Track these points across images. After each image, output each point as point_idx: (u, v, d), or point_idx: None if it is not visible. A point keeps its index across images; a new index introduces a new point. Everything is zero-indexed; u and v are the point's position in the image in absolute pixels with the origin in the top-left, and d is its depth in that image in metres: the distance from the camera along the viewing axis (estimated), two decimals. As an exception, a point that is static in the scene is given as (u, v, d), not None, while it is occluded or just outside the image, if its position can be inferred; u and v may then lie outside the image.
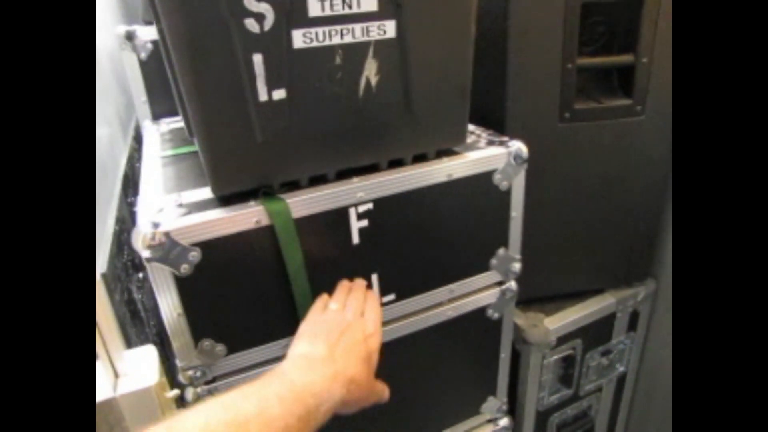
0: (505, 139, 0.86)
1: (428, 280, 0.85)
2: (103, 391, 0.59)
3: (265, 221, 0.68)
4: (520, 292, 1.00)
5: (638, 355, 1.37)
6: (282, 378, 0.56)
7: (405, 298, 0.83)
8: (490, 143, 0.85)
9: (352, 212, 0.73)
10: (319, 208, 0.70)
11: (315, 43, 0.63)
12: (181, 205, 0.69)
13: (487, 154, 0.81)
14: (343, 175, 0.74)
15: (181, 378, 0.73)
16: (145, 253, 0.63)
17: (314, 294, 0.74)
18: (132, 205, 1.11)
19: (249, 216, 0.67)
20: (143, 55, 1.15)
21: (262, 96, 0.64)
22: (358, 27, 0.64)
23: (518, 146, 0.83)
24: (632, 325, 1.29)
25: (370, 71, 0.67)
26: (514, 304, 0.97)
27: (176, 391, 0.69)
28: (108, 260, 0.76)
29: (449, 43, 0.72)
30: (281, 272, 0.71)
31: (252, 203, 0.68)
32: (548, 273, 1.15)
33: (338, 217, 0.72)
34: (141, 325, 0.91)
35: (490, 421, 1.11)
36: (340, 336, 0.63)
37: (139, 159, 1.37)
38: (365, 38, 0.65)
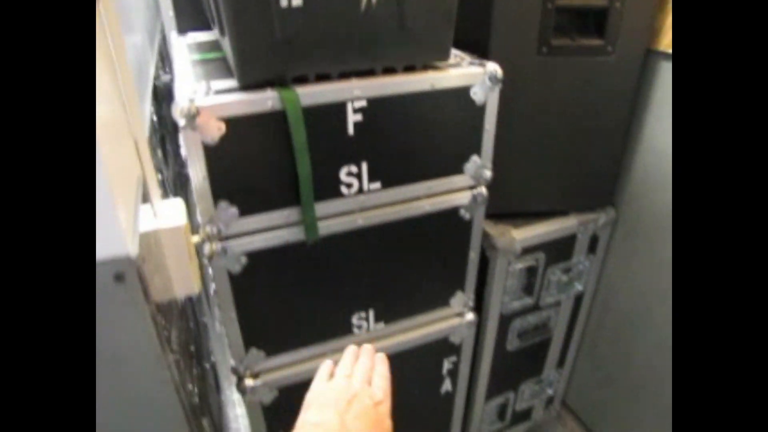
0: (484, 61, 1.01)
1: (410, 175, 1.01)
2: (148, 225, 0.76)
3: (278, 106, 0.84)
4: (494, 207, 1.17)
5: (596, 276, 1.55)
6: None
7: (389, 187, 1.00)
8: (471, 64, 1.00)
9: (349, 106, 0.89)
10: (322, 100, 0.87)
11: (329, -38, 0.78)
12: (210, 89, 0.85)
13: (466, 72, 0.97)
14: (344, 75, 0.89)
15: (201, 233, 0.90)
16: (182, 122, 0.80)
17: (314, 173, 0.90)
18: (152, 113, 1.26)
19: (265, 99, 0.83)
20: (172, -29, 1.28)
21: (283, 2, 0.79)
22: (364, -50, 0.79)
23: (494, 68, 0.98)
24: (592, 247, 1.46)
25: (371, -11, 0.82)
26: (484, 208, 1.13)
27: (198, 236, 0.86)
28: (148, 134, 0.92)
29: (439, -29, 0.86)
30: (288, 150, 0.87)
31: (268, 91, 0.84)
32: (518, 191, 1.31)
33: (337, 109, 0.88)
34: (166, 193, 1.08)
35: (458, 314, 1.30)
36: (349, 404, 0.60)
37: (163, 68, 1.53)
38: (369, -40, 0.80)
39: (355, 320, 1.14)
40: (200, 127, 0.81)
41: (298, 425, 0.60)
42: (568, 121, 1.23)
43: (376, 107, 0.91)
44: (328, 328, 1.13)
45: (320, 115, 0.87)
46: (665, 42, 1.20)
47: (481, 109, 1.01)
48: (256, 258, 0.96)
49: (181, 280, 0.83)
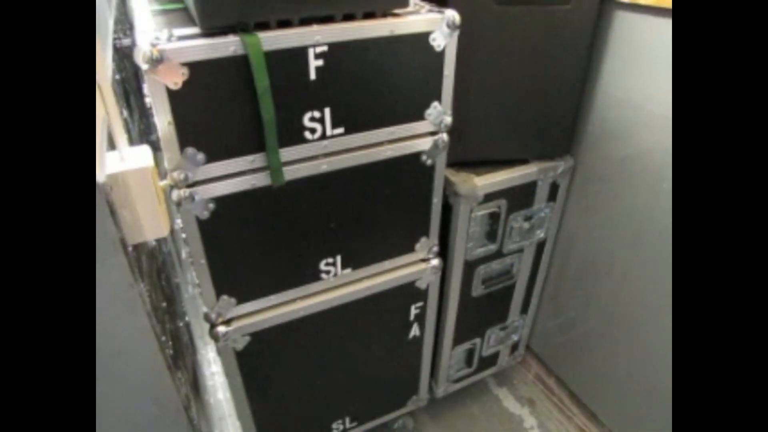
0: (443, 9, 1.03)
1: (372, 120, 1.04)
2: (114, 167, 0.78)
3: (240, 51, 0.86)
4: (456, 155, 1.20)
5: (556, 224, 1.61)
6: None
7: (352, 133, 1.03)
8: (430, 11, 1.03)
9: (311, 52, 0.91)
10: (284, 45, 0.88)
11: None
12: (173, 36, 0.86)
13: (425, 18, 0.99)
14: (306, 21, 0.91)
15: (168, 179, 0.93)
16: (145, 67, 0.81)
17: (278, 118, 0.92)
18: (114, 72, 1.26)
19: (228, 44, 0.85)
20: None
21: (242, -54, 0.80)
22: None
23: (452, 14, 1.01)
24: (552, 195, 1.51)
25: (329, -68, 0.84)
26: (445, 154, 1.17)
27: (166, 181, 0.89)
28: (111, 82, 0.93)
29: None
30: (252, 95, 0.89)
31: (231, 36, 0.85)
32: (479, 140, 1.35)
33: (299, 54, 0.90)
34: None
35: (423, 260, 1.34)
36: None
37: (122, 31, 1.51)
38: None
39: (323, 266, 1.18)
40: (163, 71, 0.82)
41: None
42: (526, 70, 1.27)
43: (337, 52, 0.93)
44: (297, 274, 1.17)
45: (282, 60, 0.89)
46: (619, -9, 1.24)
47: (440, 55, 1.03)
48: (223, 203, 0.99)
49: (151, 223, 0.85)
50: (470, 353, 1.77)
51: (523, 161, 1.43)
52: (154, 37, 0.84)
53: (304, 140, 0.99)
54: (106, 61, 0.93)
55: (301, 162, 1.01)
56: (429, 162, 1.15)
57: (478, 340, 1.74)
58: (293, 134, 0.97)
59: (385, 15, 0.97)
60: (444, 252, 1.43)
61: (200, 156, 0.92)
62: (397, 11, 0.99)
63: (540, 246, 1.62)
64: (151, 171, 0.81)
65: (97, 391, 0.73)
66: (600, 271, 1.55)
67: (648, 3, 1.17)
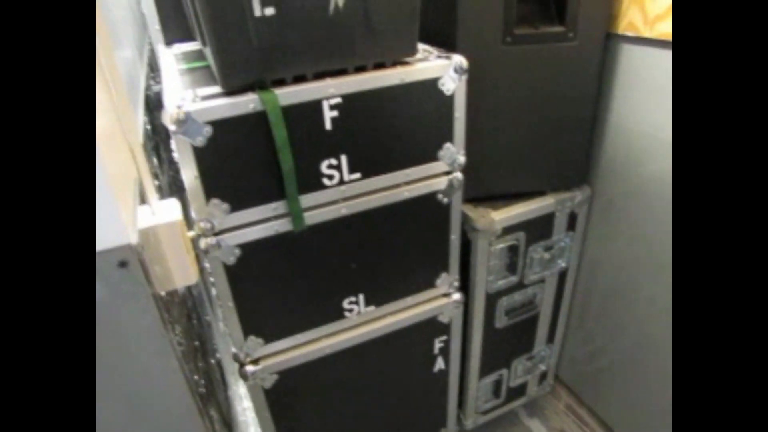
0: (451, 54, 1.08)
1: (387, 164, 1.09)
2: (146, 221, 0.83)
3: (259, 107, 0.92)
4: (473, 190, 1.24)
5: (578, 253, 1.62)
6: None
7: (369, 177, 1.07)
8: (438, 57, 1.07)
9: (325, 104, 0.96)
10: (300, 99, 0.94)
11: (296, -29, 0.85)
12: (197, 96, 0.92)
13: (433, 65, 1.04)
14: (319, 76, 0.97)
15: (195, 229, 0.98)
16: (172, 127, 0.87)
17: (296, 168, 0.97)
18: (146, 123, 1.33)
19: (247, 103, 0.91)
20: (156, -13, 1.35)
21: (257, 12, 0.86)
22: (327, -41, 0.86)
23: (459, 59, 1.05)
24: (571, 225, 1.53)
25: (338, -6, 0.90)
26: (461, 192, 1.21)
27: (193, 232, 0.94)
28: (143, 140, 1.00)
29: (401, -27, 0.93)
30: (271, 147, 0.95)
31: (250, 94, 0.91)
32: (496, 174, 1.38)
33: (314, 107, 0.96)
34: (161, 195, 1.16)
35: (445, 295, 1.37)
36: None
37: (153, 78, 1.60)
38: (333, -32, 0.87)
39: (346, 304, 1.22)
40: (189, 130, 0.88)
41: None
42: (537, 105, 1.31)
43: (350, 103, 0.98)
44: (322, 313, 1.21)
45: (299, 113, 0.95)
46: (623, 25, 1.27)
47: (450, 99, 1.08)
48: (248, 249, 1.04)
49: (180, 271, 0.90)
50: (497, 384, 1.77)
51: (540, 193, 1.46)
52: (180, 99, 0.90)
53: (323, 186, 1.04)
54: (137, 124, 0.99)
55: (321, 207, 1.06)
56: (445, 201, 1.19)
57: (504, 371, 1.75)
58: (312, 181, 1.02)
59: (395, 64, 1.03)
60: (465, 285, 1.45)
61: (225, 206, 0.97)
62: (406, 59, 1.05)
63: (562, 275, 1.64)
64: (180, 224, 0.86)
65: (132, 434, 0.78)
66: (626, 297, 1.55)
67: (651, 36, 1.20)
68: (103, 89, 0.68)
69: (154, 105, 1.57)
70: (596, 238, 1.59)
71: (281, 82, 0.95)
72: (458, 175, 1.17)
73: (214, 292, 1.08)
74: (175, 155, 0.92)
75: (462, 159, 1.15)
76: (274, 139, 0.93)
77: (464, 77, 1.07)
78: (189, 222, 1.03)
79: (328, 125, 0.98)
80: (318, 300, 1.18)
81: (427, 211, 1.19)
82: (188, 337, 1.14)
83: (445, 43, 1.18)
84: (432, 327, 1.39)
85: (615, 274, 1.57)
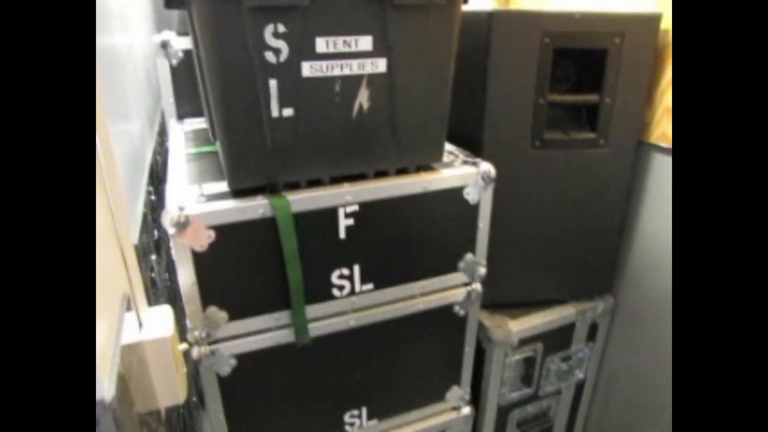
0: (478, 160, 1.01)
1: (403, 275, 1.00)
2: (131, 336, 0.74)
3: (268, 213, 0.84)
4: (490, 297, 1.15)
5: (596, 364, 1.51)
6: None
7: (382, 288, 0.98)
8: (465, 163, 1.00)
9: (341, 212, 0.88)
10: (314, 206, 0.86)
11: (319, 74, 0.79)
12: (201, 195, 0.84)
13: (459, 173, 0.97)
14: (336, 180, 0.89)
15: (189, 338, 0.88)
16: (171, 231, 0.79)
17: (305, 278, 0.89)
18: (151, 193, 1.26)
19: (256, 208, 0.83)
20: (174, 62, 1.31)
21: (275, 112, 0.80)
22: (355, 62, 0.80)
23: (487, 167, 0.98)
24: (591, 335, 1.43)
25: (363, 98, 0.83)
26: (479, 304, 1.11)
27: (186, 345, 0.84)
28: (138, 235, 0.92)
29: (431, 79, 0.87)
30: (278, 257, 0.86)
31: (259, 197, 0.84)
32: (516, 282, 1.29)
33: (329, 214, 0.88)
34: (157, 292, 1.07)
35: (454, 408, 1.26)
36: None
37: (162, 152, 1.54)
38: (360, 71, 0.81)
39: (347, 419, 1.11)
40: (190, 235, 0.80)
41: None
42: (563, 212, 1.23)
43: (368, 211, 0.90)
44: (320, 428, 1.09)
45: (312, 220, 0.87)
46: (655, 134, 1.21)
47: (474, 208, 1.00)
48: (245, 360, 0.94)
49: (166, 391, 0.80)
50: (504, 500, 1.63)
51: (560, 301, 1.37)
52: (182, 198, 0.83)
53: (332, 297, 0.95)
54: (135, 217, 0.91)
55: (329, 318, 0.97)
56: (462, 313, 1.10)
57: (513, 486, 1.61)
58: (321, 292, 0.93)
59: (418, 170, 0.95)
60: (476, 395, 1.34)
61: (223, 314, 0.88)
62: (431, 165, 0.98)
63: (579, 387, 1.52)
64: (169, 340, 0.77)
65: None
66: (647, 414, 1.43)
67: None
68: (99, 190, 0.61)
69: (161, 177, 1.51)
70: (616, 348, 1.49)
71: (295, 186, 0.87)
72: (477, 286, 1.09)
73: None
74: (173, 256, 0.83)
75: (483, 270, 1.07)
76: (282, 249, 0.85)
77: (491, 187, 1.00)
78: (182, 327, 0.93)
79: (342, 234, 0.90)
80: (317, 413, 1.07)
81: (442, 323, 1.10)
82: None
83: (471, 144, 1.12)
84: (438, 443, 1.27)
85: (636, 387, 1.45)
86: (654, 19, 1.12)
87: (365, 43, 0.80)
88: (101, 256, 0.58)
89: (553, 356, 1.39)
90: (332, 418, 1.10)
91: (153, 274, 1.14)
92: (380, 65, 0.82)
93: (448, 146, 1.10)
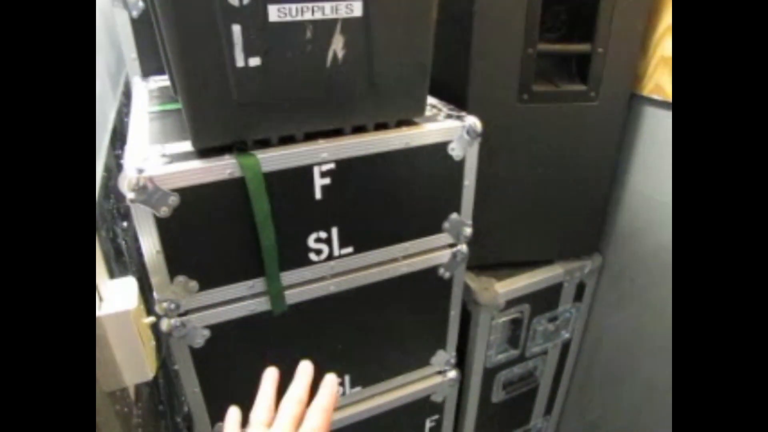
0: (462, 114, 0.95)
1: (384, 237, 0.94)
2: (87, 310, 0.68)
3: (237, 173, 0.77)
4: (476, 258, 1.10)
5: (583, 323, 1.49)
6: None
7: (362, 252, 0.93)
8: (449, 117, 0.94)
9: (316, 170, 0.82)
10: (287, 165, 0.79)
11: (288, 18, 0.71)
12: (164, 155, 0.77)
13: (443, 127, 0.90)
14: (311, 136, 0.82)
15: (157, 309, 0.82)
16: (130, 195, 0.72)
17: (279, 242, 0.83)
18: (119, 157, 1.18)
19: (223, 168, 0.76)
20: (134, 13, 1.21)
21: (240, 62, 0.72)
22: (327, 5, 0.72)
23: (473, 121, 0.92)
24: (578, 295, 1.40)
25: (337, 45, 0.75)
26: (464, 266, 1.07)
27: (152, 318, 0.78)
28: (97, 203, 0.85)
29: (412, 24, 0.80)
30: (250, 220, 0.80)
31: (227, 157, 0.77)
32: (502, 241, 1.24)
33: (303, 174, 0.81)
34: (124, 263, 1.00)
35: (439, 372, 1.22)
36: None
37: (128, 113, 1.45)
38: (334, 15, 0.73)
39: (329, 387, 1.06)
40: (151, 200, 0.73)
41: None
42: (551, 168, 1.18)
43: (345, 169, 0.84)
44: (301, 396, 1.05)
45: (284, 180, 0.80)
46: (649, 87, 1.15)
47: (459, 165, 0.94)
48: (219, 330, 0.88)
49: (132, 368, 0.75)
50: (490, 460, 1.62)
51: (548, 261, 1.32)
52: (142, 159, 0.76)
53: (309, 262, 0.89)
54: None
55: (306, 284, 0.91)
56: (447, 275, 1.05)
57: (498, 446, 1.60)
58: (297, 257, 0.88)
59: (399, 124, 0.89)
60: (462, 358, 1.31)
61: (193, 284, 0.82)
62: (412, 119, 0.91)
63: (565, 346, 1.50)
64: (132, 314, 0.71)
65: None
66: (625, 376, 1.42)
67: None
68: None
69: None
70: (603, 307, 1.46)
71: (265, 143, 0.80)
72: (463, 247, 1.03)
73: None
74: (136, 225, 0.77)
75: (468, 231, 1.01)
76: (253, 212, 0.79)
77: (477, 142, 0.93)
78: (150, 300, 0.87)
79: (318, 194, 0.84)
80: (297, 383, 1.03)
81: (426, 287, 1.05)
82: (148, 401, 0.99)
83: (454, 98, 1.05)
84: (424, 407, 1.24)
85: (618, 348, 1.44)
86: (649, -40, 1.04)
87: (338, -17, 0.72)
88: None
89: (540, 317, 1.35)
90: (313, 386, 1.05)
91: (123, 242, 1.08)
92: (355, 8, 0.74)
93: (431, 100, 1.03)
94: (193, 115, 0.74)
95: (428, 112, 0.94)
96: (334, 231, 0.88)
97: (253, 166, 0.76)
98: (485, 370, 1.35)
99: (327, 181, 0.83)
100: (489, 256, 1.25)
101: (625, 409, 1.47)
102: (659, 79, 1.12)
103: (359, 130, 0.86)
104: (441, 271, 1.04)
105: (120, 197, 1.01)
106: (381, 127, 0.87)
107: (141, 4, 1.19)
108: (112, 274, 0.84)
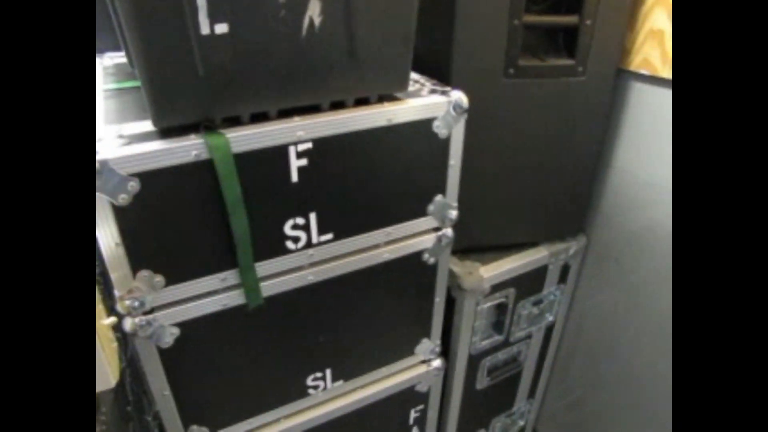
0: (447, 89, 0.88)
1: (366, 222, 0.88)
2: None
3: (204, 155, 0.69)
4: (459, 242, 1.04)
5: (566, 306, 1.45)
6: None
7: (342, 238, 0.86)
8: (433, 92, 0.88)
9: (292, 150, 0.75)
10: (259, 145, 0.72)
11: (258, -21, 0.63)
12: (121, 136, 0.69)
13: (427, 102, 0.84)
14: (285, 113, 0.75)
15: (119, 308, 0.75)
16: (83, 181, 0.64)
17: (253, 230, 0.76)
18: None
19: (188, 149, 0.68)
20: (87, -15, 1.11)
21: (204, 29, 0.64)
22: (302, -35, 0.65)
23: (459, 96, 0.86)
24: (563, 277, 1.36)
25: (314, 11, 0.68)
26: (449, 250, 1.01)
27: (112, 318, 0.71)
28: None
29: (394, -11, 0.73)
30: (220, 206, 0.72)
31: (192, 137, 0.69)
32: (486, 224, 1.19)
33: (278, 154, 0.74)
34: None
35: (424, 361, 1.17)
36: None
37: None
38: (309, -23, 0.66)
39: (309, 382, 1.00)
40: (107, 185, 0.65)
41: None
42: (537, 146, 1.12)
43: (323, 149, 0.77)
44: (280, 393, 0.99)
45: (257, 162, 0.73)
46: (636, 61, 1.10)
47: (445, 143, 0.88)
48: (189, 328, 0.81)
49: (92, 373, 0.67)
50: (474, 445, 1.59)
51: (533, 243, 1.28)
52: (96, 140, 0.68)
53: (286, 251, 0.82)
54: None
55: (283, 275, 0.84)
56: (431, 260, 0.99)
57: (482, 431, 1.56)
58: (272, 245, 0.81)
59: (381, 100, 0.82)
60: (446, 346, 1.26)
61: (158, 279, 0.75)
62: (395, 94, 0.84)
63: (549, 329, 1.46)
64: (89, 314, 0.63)
65: None
66: (607, 352, 1.39)
67: (668, 76, 1.04)
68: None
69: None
70: (586, 289, 1.42)
71: (235, 121, 0.73)
72: (448, 231, 0.98)
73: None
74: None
75: (454, 214, 0.96)
76: (223, 197, 0.71)
77: (463, 118, 0.87)
78: (111, 298, 0.80)
79: (294, 177, 0.77)
80: (276, 379, 0.96)
81: (410, 273, 0.99)
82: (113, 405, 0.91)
83: (437, 72, 0.98)
84: (408, 397, 1.19)
85: (600, 327, 1.41)
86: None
87: (313, -60, 0.65)
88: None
89: (525, 301, 1.31)
90: (293, 382, 0.99)
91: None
92: (333, -31, 0.67)
93: (413, 75, 0.96)
94: (152, 90, 0.66)
95: (411, 87, 0.87)
96: (312, 216, 0.81)
97: (222, 147, 0.69)
98: (470, 357, 1.30)
99: (303, 162, 0.76)
100: (474, 240, 1.20)
101: (605, 388, 1.45)
102: (648, 52, 1.08)
103: (338, 106, 0.79)
104: (425, 256, 0.98)
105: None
106: (361, 102, 0.80)
107: (93, -27, 1.09)
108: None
